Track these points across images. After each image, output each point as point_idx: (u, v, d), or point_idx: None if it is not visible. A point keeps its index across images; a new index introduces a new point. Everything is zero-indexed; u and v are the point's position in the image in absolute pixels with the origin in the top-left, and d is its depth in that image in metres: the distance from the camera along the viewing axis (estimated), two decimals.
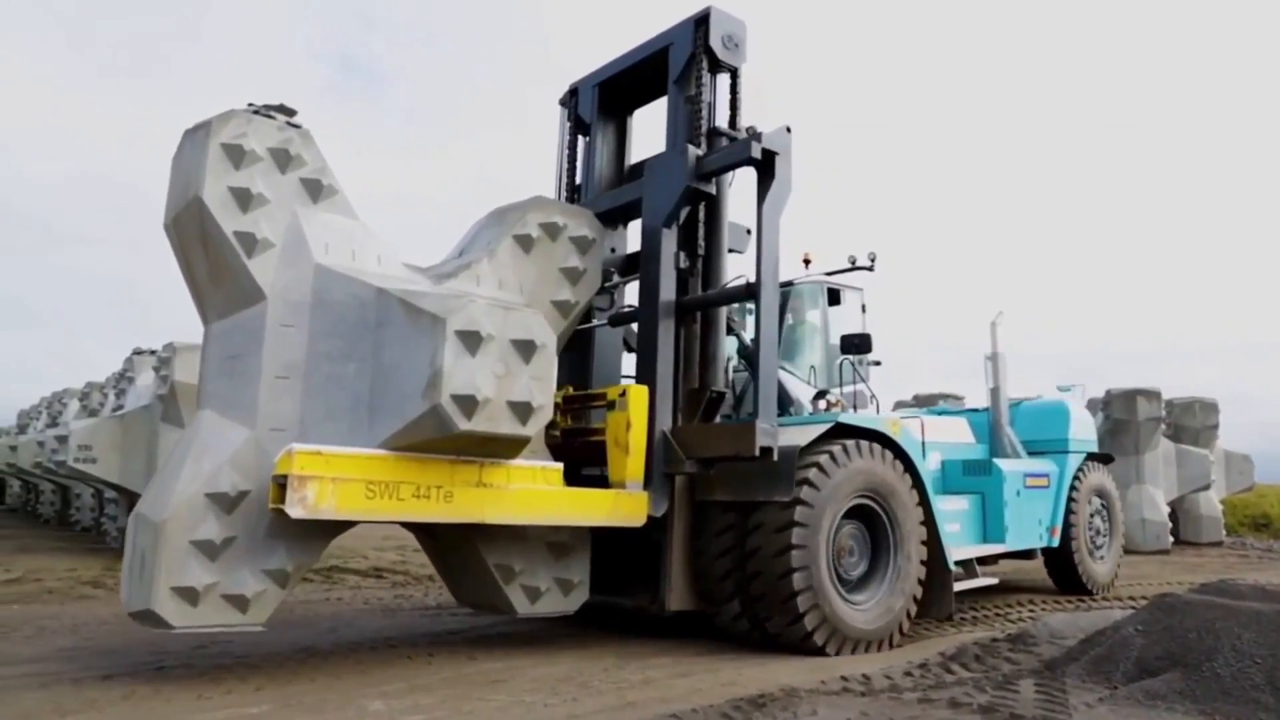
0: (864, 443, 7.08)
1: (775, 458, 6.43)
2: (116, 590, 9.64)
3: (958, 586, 8.11)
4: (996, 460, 9.69)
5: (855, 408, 8.70)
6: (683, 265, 7.13)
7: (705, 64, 7.39)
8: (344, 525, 5.74)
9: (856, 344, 7.89)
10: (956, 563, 8.59)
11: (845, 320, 9.33)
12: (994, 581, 8.81)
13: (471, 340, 5.24)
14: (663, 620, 7.23)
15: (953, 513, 9.15)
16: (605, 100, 8.47)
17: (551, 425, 7.20)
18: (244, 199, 5.56)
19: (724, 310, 7.48)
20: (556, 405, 7.24)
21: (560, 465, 6.30)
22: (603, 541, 7.42)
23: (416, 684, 5.43)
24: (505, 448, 5.58)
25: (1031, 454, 10.68)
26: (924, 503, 7.59)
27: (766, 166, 6.81)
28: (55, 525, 19.41)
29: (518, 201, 7.11)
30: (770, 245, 6.75)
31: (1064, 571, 10.40)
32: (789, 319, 9.03)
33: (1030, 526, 9.79)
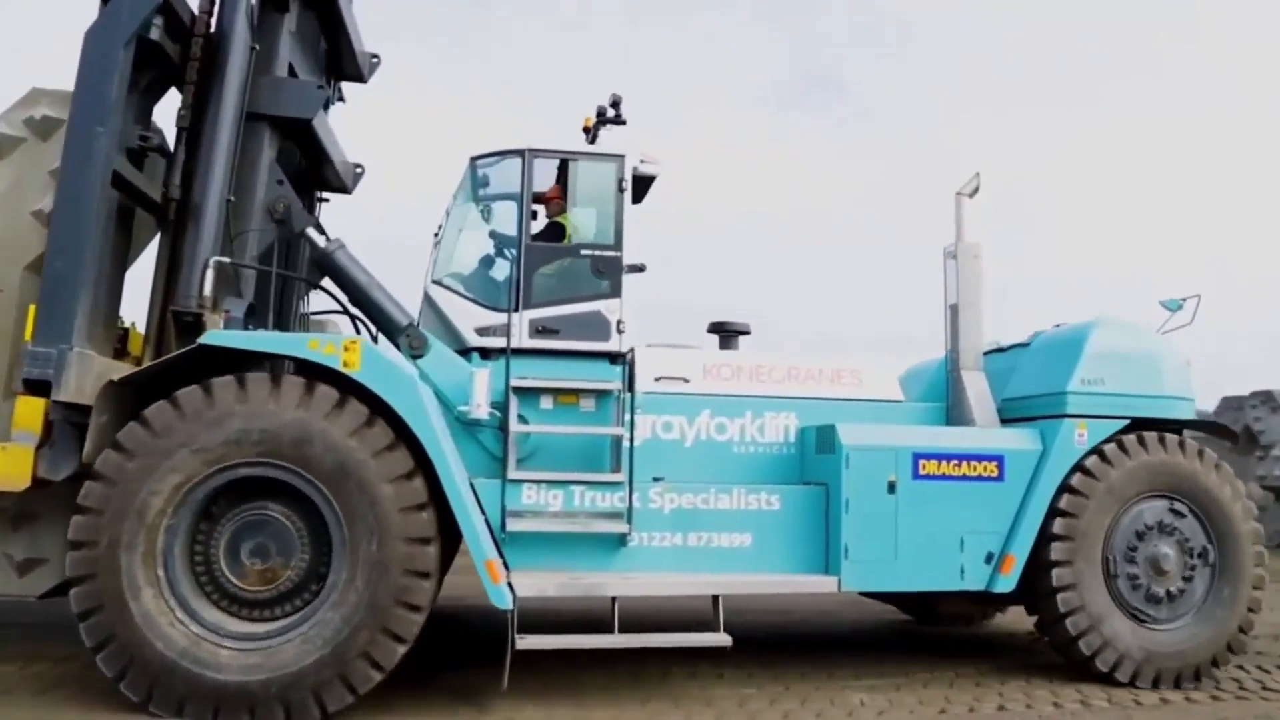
0: (236, 378, 4.36)
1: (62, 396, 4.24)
2: None
3: (550, 643, 4.70)
4: (843, 428, 5.47)
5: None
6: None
7: None
8: None
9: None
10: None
11: (591, 215, 6.04)
12: (716, 642, 4.88)
13: None
14: None
15: (742, 515, 5.42)
16: None
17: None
18: None
19: (214, 201, 5.20)
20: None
21: None
22: None
23: (899, 681, 5.50)
24: None
25: (1012, 420, 5.96)
26: (437, 484, 4.45)
27: None
28: None
29: None
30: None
31: (1058, 641, 5.54)
32: (467, 213, 6.08)
33: (935, 550, 5.36)
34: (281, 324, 6.49)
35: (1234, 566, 5.62)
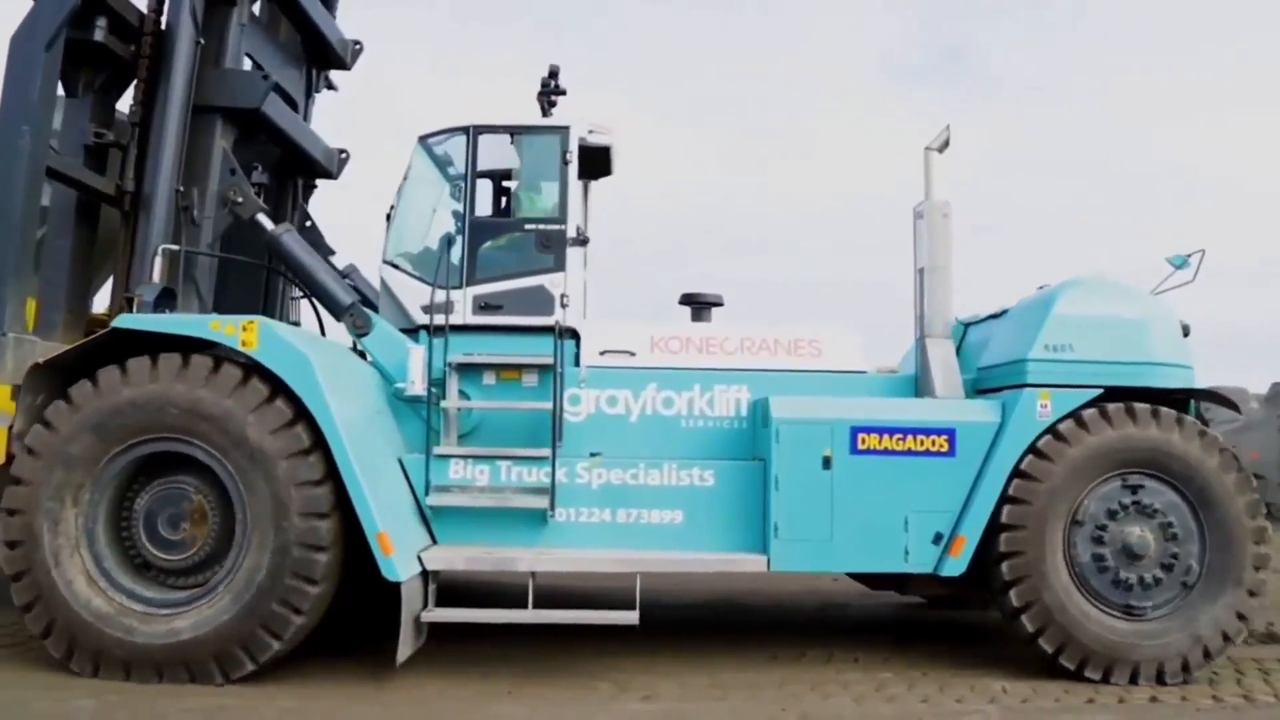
0: (150, 358, 4.61)
1: None
2: None
3: (454, 616, 4.75)
4: (776, 400, 5.22)
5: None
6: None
7: None
8: None
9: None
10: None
11: (539, 188, 5.99)
12: (623, 620, 4.75)
13: None
14: None
15: (674, 492, 5.30)
16: None
17: None
18: None
19: (163, 191, 5.47)
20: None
21: None
22: None
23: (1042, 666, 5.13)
24: None
25: (986, 391, 5.55)
26: (333, 461, 4.56)
27: None
28: None
29: None
30: None
31: (1019, 637, 5.10)
32: (416, 192, 6.10)
33: (875, 530, 5.05)
34: (269, 306, 6.80)
35: (1227, 545, 5.01)
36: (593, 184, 6.92)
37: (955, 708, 4.61)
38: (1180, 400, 5.48)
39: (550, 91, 6.00)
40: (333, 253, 7.08)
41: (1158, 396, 5.23)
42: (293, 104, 6.92)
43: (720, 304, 6.51)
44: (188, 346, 4.76)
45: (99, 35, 5.35)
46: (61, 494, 4.52)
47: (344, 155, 7.31)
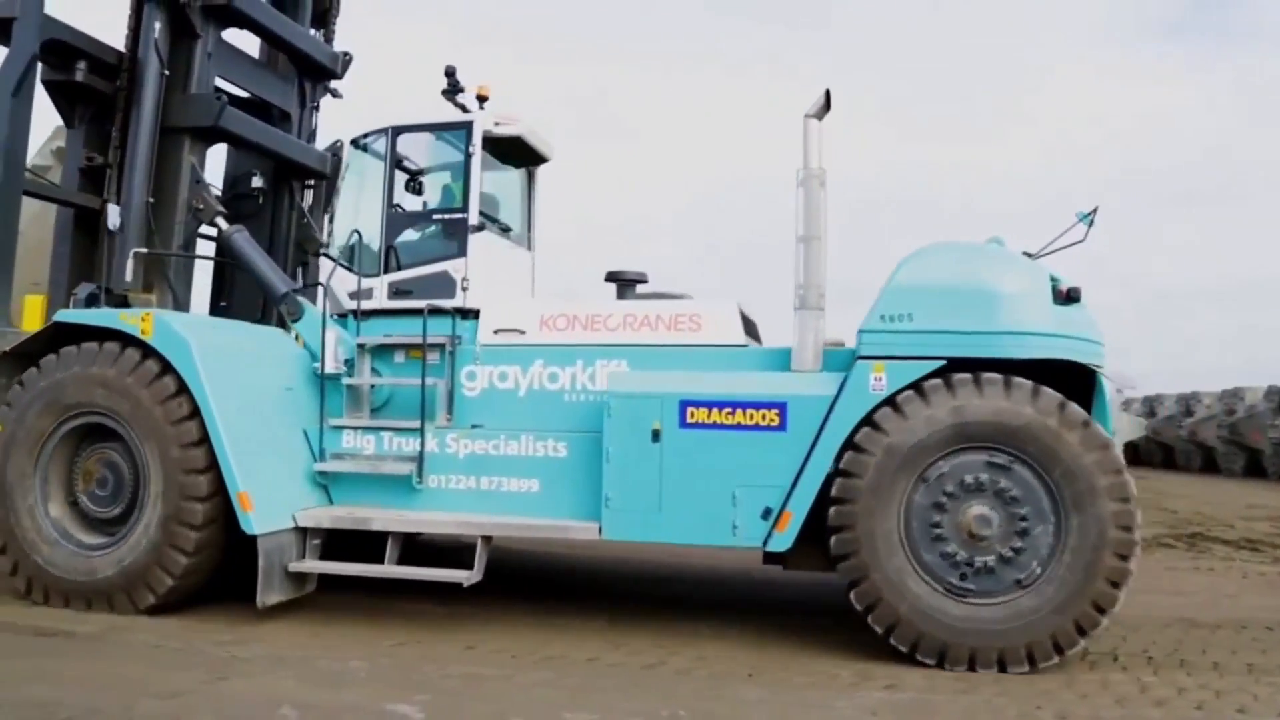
0: (76, 347, 5.54)
1: None
2: None
3: (320, 568, 5.32)
4: (613, 375, 5.33)
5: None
6: None
7: None
8: None
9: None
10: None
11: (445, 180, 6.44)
12: (456, 578, 5.08)
13: None
14: None
15: (529, 462, 5.64)
16: None
17: None
18: None
19: (137, 202, 6.49)
20: None
21: None
22: None
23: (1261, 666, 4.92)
24: None
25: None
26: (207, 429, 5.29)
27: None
28: None
29: None
30: None
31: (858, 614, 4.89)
32: (349, 189, 6.68)
33: (702, 504, 5.07)
34: (267, 303, 7.75)
35: (1085, 530, 4.56)
36: (537, 171, 7.34)
37: (1236, 718, 4.14)
38: (1090, 374, 5.02)
39: (453, 90, 6.39)
40: (324, 245, 7.93)
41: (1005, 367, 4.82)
42: (286, 116, 7.85)
43: (644, 280, 6.66)
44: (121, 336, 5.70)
45: (80, 76, 6.44)
46: (23, 461, 5.60)
47: (336, 156, 8.11)
